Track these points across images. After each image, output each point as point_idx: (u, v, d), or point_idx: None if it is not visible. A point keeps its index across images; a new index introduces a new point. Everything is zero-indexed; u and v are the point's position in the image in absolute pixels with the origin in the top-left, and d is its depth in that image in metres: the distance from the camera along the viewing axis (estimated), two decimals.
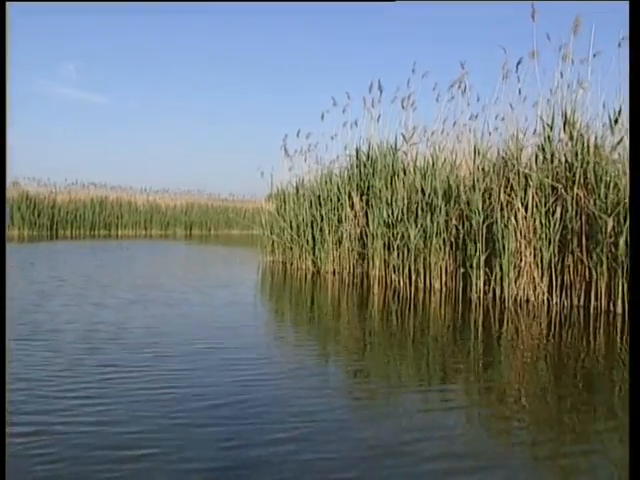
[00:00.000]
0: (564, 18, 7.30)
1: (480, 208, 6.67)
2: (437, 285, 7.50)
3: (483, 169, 7.10)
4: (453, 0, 38.73)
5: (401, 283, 8.00)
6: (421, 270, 7.64)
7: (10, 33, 2.76)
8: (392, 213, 8.15)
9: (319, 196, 10.35)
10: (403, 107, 9.85)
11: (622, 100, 5.92)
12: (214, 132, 66.53)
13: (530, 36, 6.94)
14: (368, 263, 8.86)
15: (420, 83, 9.42)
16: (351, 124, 10.83)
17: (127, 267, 10.40)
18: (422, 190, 7.89)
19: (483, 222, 6.69)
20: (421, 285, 7.71)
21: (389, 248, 8.36)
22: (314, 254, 10.14)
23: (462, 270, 7.16)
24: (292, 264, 10.87)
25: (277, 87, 68.91)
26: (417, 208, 7.76)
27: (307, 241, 10.33)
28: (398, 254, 7.97)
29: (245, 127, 68.58)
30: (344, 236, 9.41)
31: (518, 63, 7.37)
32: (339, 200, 9.70)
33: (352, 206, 9.46)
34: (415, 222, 7.64)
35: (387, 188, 8.64)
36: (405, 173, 8.68)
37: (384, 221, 8.27)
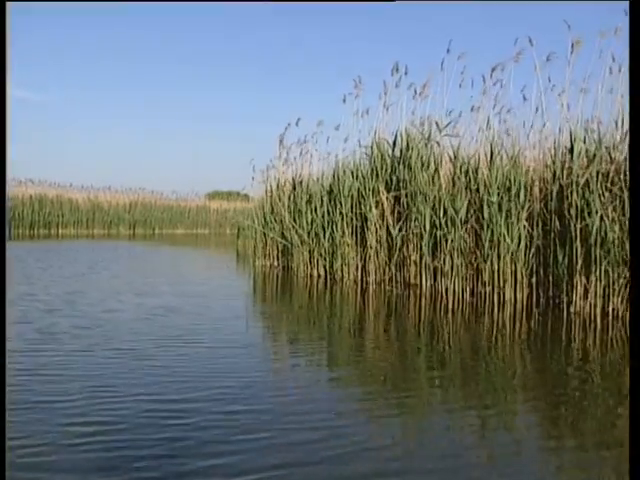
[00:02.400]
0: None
1: (578, 206, 5.67)
2: (511, 295, 6.46)
3: (567, 165, 6.09)
4: (453, 0, 38.19)
5: (464, 295, 6.93)
6: (486, 278, 6.58)
7: (10, 33, 2.70)
8: (442, 213, 7.04)
9: (330, 192, 9.12)
10: (414, 95, 8.82)
11: None
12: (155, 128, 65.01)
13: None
14: (405, 270, 7.73)
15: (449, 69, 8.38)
16: (362, 112, 9.71)
17: (91, 277, 8.85)
18: (482, 187, 6.83)
19: (579, 221, 5.68)
20: (489, 295, 6.65)
21: (433, 252, 7.27)
22: (330, 259, 8.90)
23: (543, 279, 6.15)
24: (297, 270, 9.59)
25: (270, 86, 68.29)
26: (479, 207, 6.69)
27: (320, 244, 9.08)
28: (448, 260, 6.89)
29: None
30: (371, 238, 8.24)
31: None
32: (362, 197, 8.51)
33: (378, 204, 8.29)
34: (479, 223, 6.56)
35: (430, 184, 7.53)
36: (451, 166, 7.61)
37: (432, 222, 7.16)
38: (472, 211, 6.89)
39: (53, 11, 55.79)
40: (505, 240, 6.19)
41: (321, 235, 9.07)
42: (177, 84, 68.83)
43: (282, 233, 10.32)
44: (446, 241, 7.01)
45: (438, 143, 8.16)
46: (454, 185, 7.30)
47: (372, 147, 8.83)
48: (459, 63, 8.28)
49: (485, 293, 6.63)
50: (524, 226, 6.11)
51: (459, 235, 6.66)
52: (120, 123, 66.45)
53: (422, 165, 7.71)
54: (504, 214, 6.28)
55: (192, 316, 5.27)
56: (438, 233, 7.09)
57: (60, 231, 26.74)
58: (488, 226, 6.39)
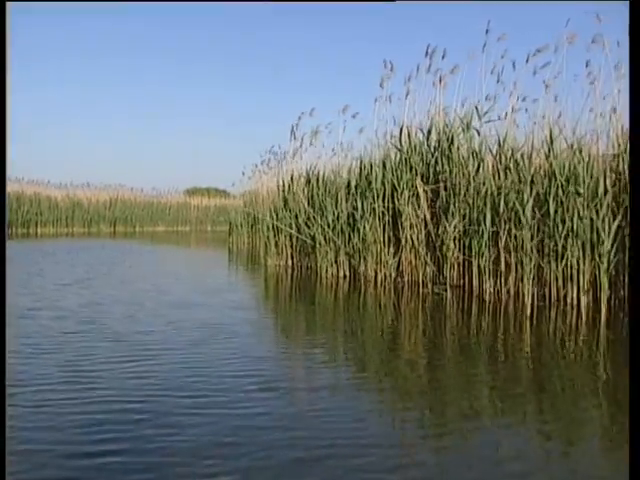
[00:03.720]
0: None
1: None
2: (588, 300, 5.83)
3: None
4: (453, 0, 37.53)
5: (532, 300, 6.28)
6: (559, 281, 5.93)
7: (10, 33, 2.67)
8: (496, 207, 6.37)
9: (357, 185, 8.39)
10: (435, 82, 8.17)
11: None
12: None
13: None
14: (453, 270, 7.05)
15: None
16: (385, 98, 9.01)
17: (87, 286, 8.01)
18: (540, 177, 6.19)
19: None
20: (560, 298, 6.01)
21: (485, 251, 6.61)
22: (359, 257, 8.18)
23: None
24: (319, 270, 8.85)
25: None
26: (544, 200, 6.04)
27: (347, 241, 8.36)
28: (513, 259, 6.23)
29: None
30: (406, 235, 7.55)
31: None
32: (395, 190, 7.81)
33: (413, 197, 7.61)
34: (550, 217, 5.89)
35: (478, 176, 6.88)
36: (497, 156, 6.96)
37: (484, 217, 6.48)
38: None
39: (53, 11, 54.91)
40: (589, 237, 5.53)
41: (347, 232, 8.35)
42: (177, 84, 68.16)
43: (298, 229, 9.58)
44: (500, 238, 6.37)
45: (478, 131, 7.52)
46: (506, 177, 6.65)
47: (402, 136, 8.14)
48: (498, 45, 7.75)
49: (555, 296, 5.98)
50: (608, 220, 5.46)
51: (526, 231, 5.98)
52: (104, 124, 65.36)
53: (471, 155, 7.04)
54: (582, 208, 5.62)
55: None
56: (483, 229, 6.44)
57: (39, 230, 25.51)
58: (562, 222, 5.73)
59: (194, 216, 38.94)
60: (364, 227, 7.99)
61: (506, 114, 7.38)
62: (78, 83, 62.96)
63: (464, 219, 6.86)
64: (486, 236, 6.30)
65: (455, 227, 6.77)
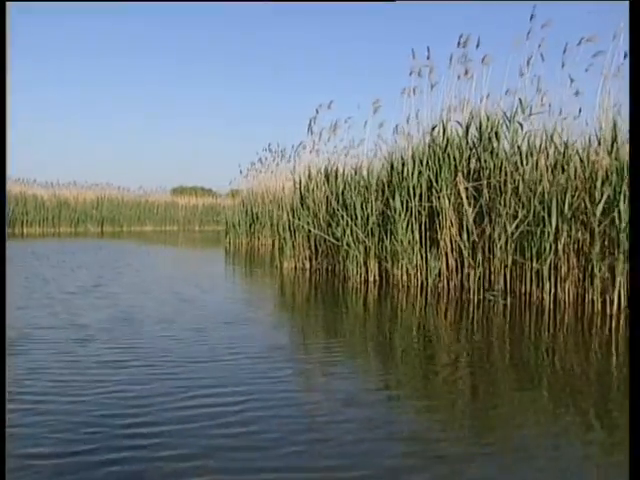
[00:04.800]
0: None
1: None
2: None
3: None
4: (453, 0, 37.00)
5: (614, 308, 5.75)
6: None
7: (10, 33, 2.69)
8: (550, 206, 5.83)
9: (389, 182, 7.79)
10: (462, 76, 7.64)
11: None
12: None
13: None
14: (505, 275, 6.50)
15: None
16: (410, 91, 8.45)
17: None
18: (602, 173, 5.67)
19: None
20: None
21: (541, 254, 6.07)
22: (392, 260, 7.59)
23: None
24: (345, 274, 8.24)
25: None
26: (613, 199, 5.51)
27: (378, 242, 7.76)
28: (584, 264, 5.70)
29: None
30: (448, 237, 6.98)
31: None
32: (432, 188, 7.23)
33: (453, 196, 7.05)
34: (621, 217, 5.36)
35: (528, 172, 6.34)
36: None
37: (540, 217, 5.94)
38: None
39: (53, 11, 54.03)
40: None
41: (377, 232, 7.75)
42: (177, 84, 67.45)
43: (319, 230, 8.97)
44: (559, 240, 5.83)
45: (521, 125, 6.98)
46: (563, 173, 6.12)
47: (438, 131, 7.58)
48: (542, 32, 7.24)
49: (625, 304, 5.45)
50: None
51: (596, 233, 5.45)
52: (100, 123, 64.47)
53: (520, 150, 6.50)
54: None
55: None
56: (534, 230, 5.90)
57: (25, 230, 24.58)
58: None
59: (182, 216, 38.16)
60: (400, 227, 7.39)
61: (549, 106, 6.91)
62: (78, 83, 62.15)
63: (514, 219, 6.33)
64: (551, 238, 5.74)
65: (505, 228, 6.21)
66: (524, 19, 7.26)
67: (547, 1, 10.13)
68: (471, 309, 5.82)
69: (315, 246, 9.27)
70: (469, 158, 7.17)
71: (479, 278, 6.69)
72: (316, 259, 9.28)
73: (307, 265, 9.48)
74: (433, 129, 7.69)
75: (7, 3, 2.45)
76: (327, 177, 9.31)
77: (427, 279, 7.26)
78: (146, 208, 35.23)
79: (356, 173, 8.76)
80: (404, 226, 7.34)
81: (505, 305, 5.90)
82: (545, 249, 5.78)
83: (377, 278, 7.88)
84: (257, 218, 17.98)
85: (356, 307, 6.35)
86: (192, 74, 67.77)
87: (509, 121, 6.94)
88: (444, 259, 7.09)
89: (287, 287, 7.97)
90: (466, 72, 7.85)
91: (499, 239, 6.46)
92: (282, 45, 66.39)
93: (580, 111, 6.79)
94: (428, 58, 7.95)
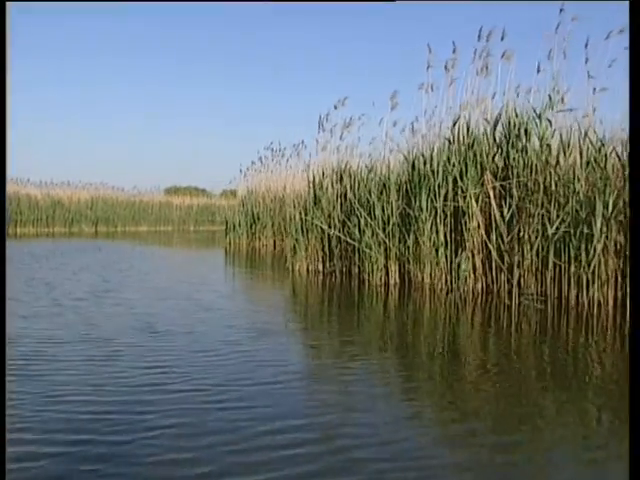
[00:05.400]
0: None
1: None
2: None
3: None
4: (453, 0, 36.83)
5: None
6: None
7: (10, 33, 2.66)
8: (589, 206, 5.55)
9: (410, 181, 7.48)
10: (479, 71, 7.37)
11: None
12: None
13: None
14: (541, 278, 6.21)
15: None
16: (427, 88, 8.17)
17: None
18: None
19: None
20: None
21: (575, 257, 5.78)
22: (415, 262, 7.28)
23: None
24: (363, 277, 7.92)
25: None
26: None
27: (399, 244, 7.45)
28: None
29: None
30: (475, 238, 6.68)
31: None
32: (458, 187, 6.94)
33: (480, 195, 6.76)
34: None
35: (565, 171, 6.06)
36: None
37: (578, 219, 5.65)
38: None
39: (53, 11, 53.64)
40: None
41: (398, 233, 7.45)
42: (177, 84, 67.11)
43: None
44: (598, 242, 5.55)
45: (550, 121, 6.70)
46: (602, 171, 5.84)
47: (460, 128, 7.29)
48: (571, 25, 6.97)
49: None
50: None
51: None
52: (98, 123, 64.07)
53: (559, 148, 6.22)
54: None
55: None
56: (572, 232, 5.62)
57: (19, 230, 24.13)
58: None
59: (177, 216, 37.78)
60: (425, 228, 7.07)
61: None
62: (78, 83, 61.72)
63: (548, 220, 6.05)
64: (595, 240, 5.45)
65: (538, 229, 5.93)
66: (524, 19, 7.08)
67: (547, 1, 9.95)
68: (506, 313, 5.53)
69: (329, 247, 8.95)
70: (494, 156, 6.89)
71: (508, 282, 6.40)
72: (330, 261, 8.95)
73: (320, 267, 9.15)
74: (454, 125, 7.41)
75: (7, 3, 2.43)
76: (341, 175, 9.01)
77: (452, 282, 6.96)
78: (140, 208, 34.83)
79: (370, 171, 8.47)
80: (428, 227, 7.05)
81: (540, 310, 5.61)
82: (589, 252, 5.49)
83: (397, 280, 7.58)
84: (258, 219, 17.66)
85: (386, 312, 6.03)
86: (192, 74, 67.49)
87: (539, 118, 6.67)
88: (471, 261, 6.80)
89: (305, 291, 7.64)
90: (486, 67, 7.61)
91: (530, 240, 6.18)
92: (282, 45, 66.23)
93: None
94: (454, 52, 7.64)
